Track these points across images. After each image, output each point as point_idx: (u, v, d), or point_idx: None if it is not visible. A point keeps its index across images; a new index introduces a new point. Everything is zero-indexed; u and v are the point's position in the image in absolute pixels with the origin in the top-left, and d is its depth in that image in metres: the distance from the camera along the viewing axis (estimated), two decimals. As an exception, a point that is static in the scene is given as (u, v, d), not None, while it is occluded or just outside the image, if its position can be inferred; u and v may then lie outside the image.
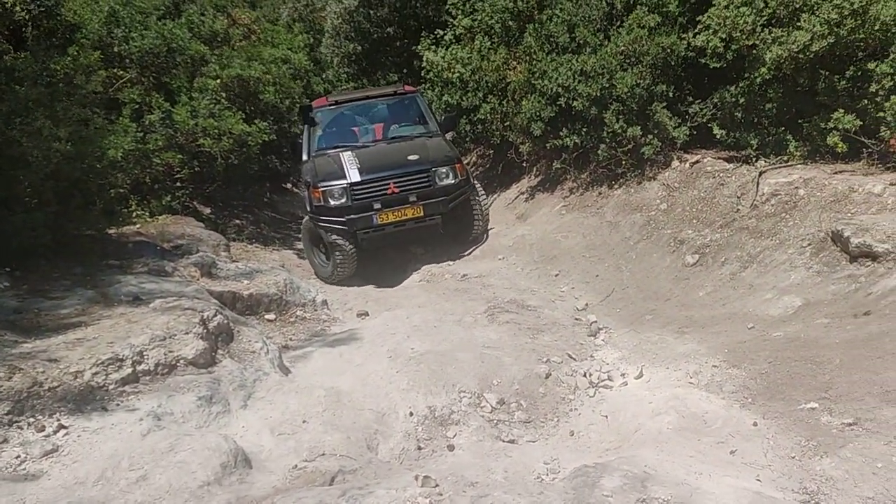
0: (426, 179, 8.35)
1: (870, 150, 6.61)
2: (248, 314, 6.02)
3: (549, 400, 5.02)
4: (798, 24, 6.70)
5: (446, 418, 4.63)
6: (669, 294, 6.74)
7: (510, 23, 9.90)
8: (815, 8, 6.62)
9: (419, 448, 4.36)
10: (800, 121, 7.24)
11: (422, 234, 8.59)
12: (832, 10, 6.43)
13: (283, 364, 5.10)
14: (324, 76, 14.16)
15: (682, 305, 6.43)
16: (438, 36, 10.53)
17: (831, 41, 6.50)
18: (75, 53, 6.62)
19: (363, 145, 9.02)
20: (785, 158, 7.26)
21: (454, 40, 10.31)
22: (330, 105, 9.37)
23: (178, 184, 8.41)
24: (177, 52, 8.47)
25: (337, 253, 8.25)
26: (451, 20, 10.38)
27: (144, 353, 4.37)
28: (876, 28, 6.33)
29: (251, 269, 6.73)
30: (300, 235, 9.99)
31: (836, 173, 6.64)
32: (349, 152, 8.66)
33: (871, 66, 6.38)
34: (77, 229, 5.92)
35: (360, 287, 8.07)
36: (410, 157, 8.47)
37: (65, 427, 3.78)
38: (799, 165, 7.09)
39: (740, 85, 7.45)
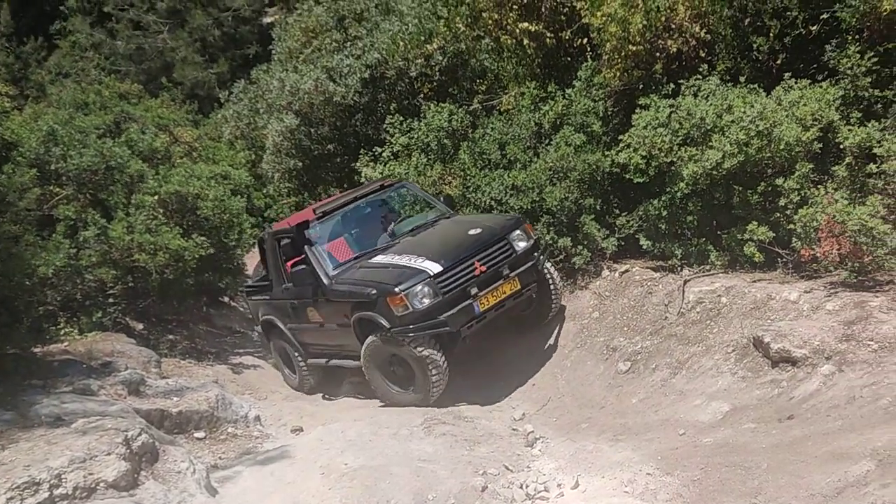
0: (507, 247, 7.36)
1: (784, 259, 6.98)
2: (177, 432, 5.85)
3: (485, 514, 4.95)
4: (710, 143, 7.18)
5: (380, 537, 4.51)
6: (604, 402, 6.81)
7: (445, 141, 10.31)
8: (725, 129, 7.12)
9: (351, 570, 4.22)
10: (719, 232, 7.63)
11: (517, 310, 7.62)
12: (740, 131, 6.92)
13: (210, 484, 4.93)
14: (265, 191, 14.35)
15: (616, 413, 6.50)
16: (377, 153, 10.87)
17: (741, 159, 6.95)
18: (10, 171, 6.62)
19: (389, 245, 7.87)
20: (707, 268, 7.59)
21: (392, 157, 10.64)
22: (319, 218, 8.10)
23: (111, 299, 8.27)
24: (115, 170, 8.53)
25: (431, 369, 6.93)
26: (389, 138, 10.75)
27: (62, 476, 4.19)
28: (781, 147, 6.82)
29: (181, 386, 6.58)
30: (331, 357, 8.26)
31: (754, 282, 6.96)
32: (382, 255, 7.60)
33: (779, 182, 6.82)
34: (1, 348, 5.74)
35: (294, 402, 7.92)
36: (472, 232, 7.44)
37: (-30, 559, 3.55)
38: (721, 274, 7.42)
39: (662, 198, 7.84)
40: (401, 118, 10.75)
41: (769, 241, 6.91)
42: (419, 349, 6.89)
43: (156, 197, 8.56)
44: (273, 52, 14.61)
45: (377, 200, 8.80)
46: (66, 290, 7.28)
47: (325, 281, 7.59)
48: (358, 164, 11.14)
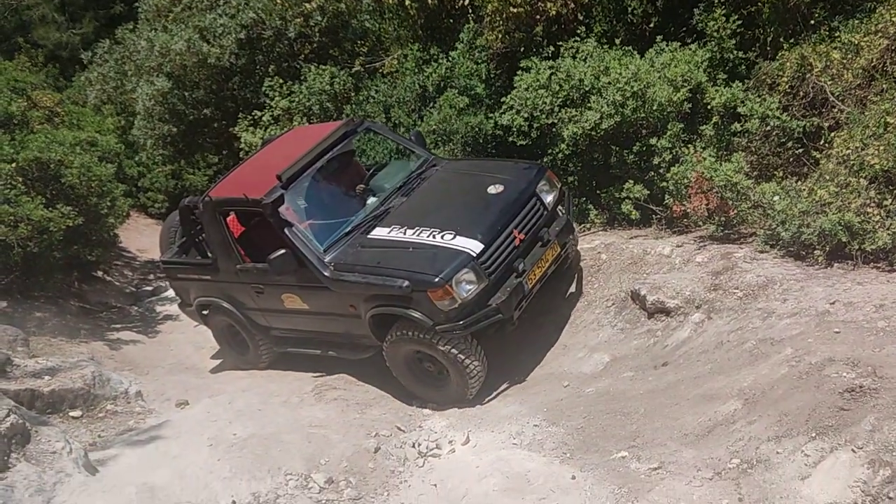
0: (539, 205, 6.27)
1: (658, 216, 7.31)
2: (50, 412, 5.52)
3: (378, 474, 4.99)
4: (589, 105, 7.38)
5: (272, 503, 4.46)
6: (492, 360, 6.95)
7: (328, 104, 10.12)
8: (603, 91, 7.33)
9: (243, 539, 4.16)
10: (598, 191, 7.89)
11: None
12: (616, 92, 7.15)
13: (89, 463, 4.69)
14: (136, 159, 13.59)
15: (504, 370, 6.63)
16: (256, 117, 10.53)
17: (618, 120, 7.19)
18: None
19: (384, 211, 6.45)
20: (588, 226, 7.86)
21: (273, 121, 10.34)
22: (287, 185, 6.35)
23: (-32, 277, 7.64)
24: (-36, 137, 7.81)
25: (468, 366, 5.80)
26: (269, 102, 10.43)
27: (-81, 466, 3.87)
28: (654, 108, 7.10)
29: (53, 365, 6.17)
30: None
31: (632, 238, 7.26)
32: (384, 228, 6.19)
33: (653, 141, 7.11)
34: None
35: (177, 376, 7.63)
36: (493, 190, 6.24)
37: None
38: (600, 232, 7.69)
39: (545, 160, 8.00)
40: (280, 81, 10.46)
41: (644, 199, 7.21)
42: (450, 348, 5.73)
43: (13, 164, 7.91)
44: (139, 10, 13.74)
45: (348, 150, 7.25)
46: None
47: (323, 270, 6.08)
48: (237, 128, 10.78)
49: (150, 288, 11.93)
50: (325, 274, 6.09)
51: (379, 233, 6.18)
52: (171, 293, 9.86)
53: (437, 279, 5.51)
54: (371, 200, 6.83)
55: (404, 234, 6.03)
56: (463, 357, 5.77)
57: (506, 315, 5.73)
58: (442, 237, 5.84)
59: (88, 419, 5.74)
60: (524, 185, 6.32)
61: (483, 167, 7.07)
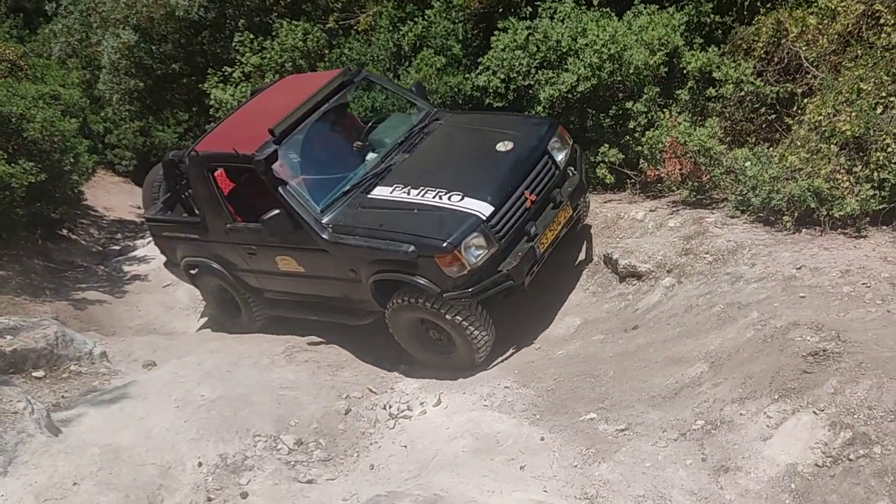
0: (551, 164, 5.89)
1: (632, 180, 7.29)
2: (12, 372, 5.41)
3: (348, 436, 5.00)
4: (566, 67, 7.30)
5: (239, 465, 4.46)
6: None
7: (300, 61, 9.90)
8: (580, 52, 7.24)
9: (209, 500, 4.17)
10: (573, 155, 7.85)
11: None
12: (593, 55, 7.07)
13: (51, 424, 4.62)
14: (102, 114, 13.24)
15: (508, 334, 6.57)
16: (226, 73, 10.28)
17: (595, 83, 7.12)
18: None
19: (384, 169, 6.06)
20: (562, 189, 7.82)
21: (243, 78, 10.11)
22: (281, 140, 5.92)
23: (-72, 234, 7.45)
24: (-78, 89, 7.54)
25: (474, 334, 5.53)
26: (240, 58, 10.19)
27: None
28: (630, 71, 7.04)
29: (15, 324, 6.02)
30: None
31: (606, 202, 7.26)
32: (386, 188, 5.83)
33: (629, 105, 7.06)
34: None
35: (145, 336, 7.53)
36: (502, 148, 5.85)
37: None
38: (575, 196, 7.66)
39: (521, 123, 7.93)
40: (251, 36, 10.20)
41: (619, 163, 7.18)
42: (456, 317, 5.43)
43: (-27, 119, 7.68)
44: (106, -41, 13.27)
45: (343, 103, 6.72)
46: None
47: (321, 233, 5.74)
48: (206, 85, 10.51)
49: (117, 247, 11.73)
50: (323, 236, 5.75)
51: (380, 192, 5.83)
52: (139, 252, 9.70)
53: (445, 244, 5.19)
54: (370, 157, 6.41)
55: (408, 194, 5.68)
56: (470, 327, 5.50)
57: (517, 282, 5.44)
58: (449, 198, 5.50)
59: (52, 379, 5.64)
60: (535, 142, 5.92)
61: (490, 121, 6.70)
